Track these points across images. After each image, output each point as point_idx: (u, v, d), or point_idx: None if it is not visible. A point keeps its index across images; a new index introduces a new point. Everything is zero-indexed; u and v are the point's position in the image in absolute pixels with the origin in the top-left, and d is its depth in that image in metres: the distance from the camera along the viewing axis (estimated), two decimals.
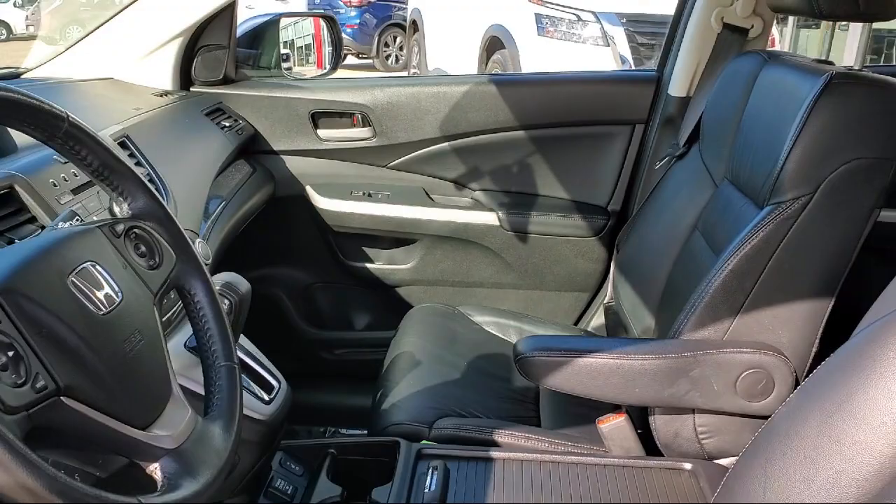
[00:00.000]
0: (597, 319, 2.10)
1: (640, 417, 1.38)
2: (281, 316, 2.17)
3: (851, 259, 1.26)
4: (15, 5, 13.89)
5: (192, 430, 0.80)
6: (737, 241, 1.27)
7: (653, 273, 1.64)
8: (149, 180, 1.03)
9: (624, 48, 5.43)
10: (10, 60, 2.70)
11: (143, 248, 0.88)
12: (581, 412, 1.47)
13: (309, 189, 2.07)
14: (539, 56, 5.43)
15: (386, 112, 2.04)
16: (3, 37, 13.52)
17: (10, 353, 0.64)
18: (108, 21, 1.78)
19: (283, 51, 2.24)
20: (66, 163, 1.13)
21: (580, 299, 2.15)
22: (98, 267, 0.79)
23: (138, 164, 1.37)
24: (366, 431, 1.59)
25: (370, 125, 2.06)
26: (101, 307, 0.76)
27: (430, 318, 1.84)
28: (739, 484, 0.94)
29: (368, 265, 2.14)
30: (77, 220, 0.92)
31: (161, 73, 1.85)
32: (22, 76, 1.71)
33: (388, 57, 10.31)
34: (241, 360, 1.16)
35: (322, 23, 2.28)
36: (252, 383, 1.28)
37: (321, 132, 2.06)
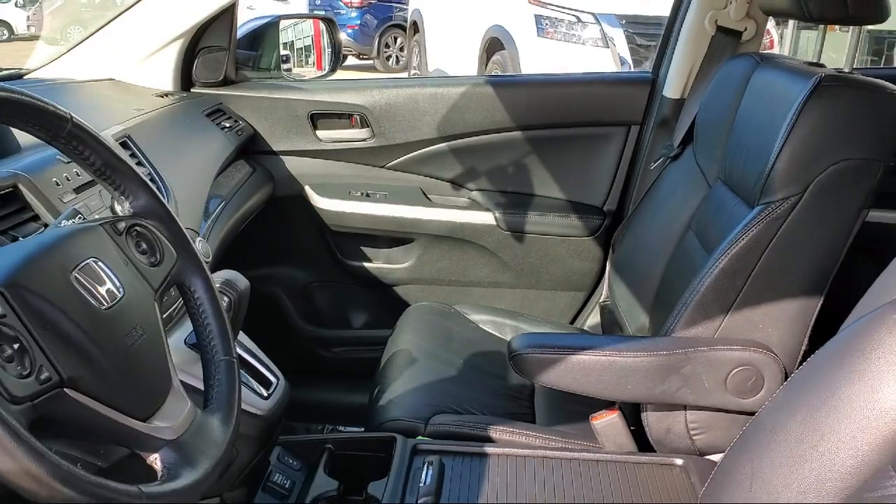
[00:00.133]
0: (592, 318, 2.12)
1: (632, 414, 1.40)
2: (280, 314, 2.19)
3: (840, 258, 1.28)
4: (16, 5, 13.91)
5: (191, 421, 0.82)
6: (727, 241, 1.29)
7: (647, 272, 1.66)
8: (150, 179, 1.05)
9: (623, 49, 5.45)
10: (12, 61, 2.72)
11: (144, 246, 0.90)
12: (575, 409, 1.49)
13: (308, 189, 2.09)
14: (539, 57, 5.44)
15: (384, 113, 2.06)
16: (4, 37, 13.54)
17: (16, 346, 0.66)
18: (109, 23, 1.80)
19: (282, 52, 2.26)
20: (68, 162, 1.15)
21: (576, 298, 2.17)
22: (100, 263, 0.80)
23: (139, 163, 1.39)
24: (363, 429, 1.61)
25: (368, 126, 2.08)
26: (104, 302, 0.78)
27: (426, 316, 1.86)
28: (727, 479, 0.95)
29: (366, 264, 2.16)
30: (79, 218, 0.93)
31: (162, 74, 1.87)
32: (24, 77, 1.73)
33: (388, 58, 10.32)
34: (240, 356, 1.18)
35: (321, 25, 2.30)
36: (251, 379, 1.30)
37: (320, 133, 2.08)
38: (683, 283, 1.38)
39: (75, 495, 0.63)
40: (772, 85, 1.40)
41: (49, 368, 0.68)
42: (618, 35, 5.45)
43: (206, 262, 1.00)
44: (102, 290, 0.79)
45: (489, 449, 1.33)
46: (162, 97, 1.80)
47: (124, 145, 1.39)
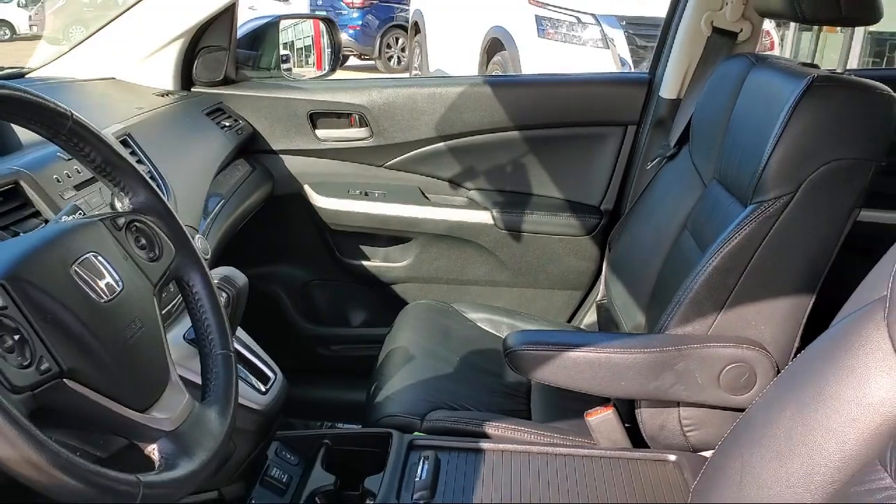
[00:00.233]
0: (589, 317, 2.13)
1: (627, 411, 1.41)
2: (279, 313, 2.20)
3: (832, 257, 1.29)
4: (18, 5, 13.95)
5: (189, 413, 0.83)
6: (721, 239, 1.30)
7: (644, 271, 1.67)
8: (150, 177, 1.06)
9: (623, 50, 5.46)
10: (14, 60, 2.73)
11: (143, 241, 0.91)
12: (570, 406, 1.50)
13: (307, 188, 2.11)
14: (539, 58, 5.45)
15: (383, 112, 2.07)
16: (6, 37, 13.58)
17: (17, 337, 0.68)
18: (110, 22, 1.81)
19: (282, 52, 2.27)
20: (69, 159, 1.16)
21: (573, 297, 2.18)
22: (100, 257, 0.82)
23: (140, 161, 1.40)
24: (361, 426, 1.62)
25: (367, 125, 2.09)
26: (103, 295, 0.79)
27: (424, 314, 1.87)
28: (717, 473, 0.96)
29: (365, 263, 2.17)
30: (80, 214, 0.95)
31: (162, 73, 1.89)
32: (27, 76, 1.74)
33: (390, 58, 10.33)
34: (238, 351, 1.19)
35: (321, 25, 2.32)
36: (249, 374, 1.31)
37: (319, 132, 2.10)
38: (679, 281, 1.39)
39: (74, 483, 0.64)
40: (766, 85, 1.41)
41: (49, 359, 0.70)
42: (618, 36, 5.46)
43: (205, 259, 1.01)
44: (102, 283, 0.80)
45: (485, 445, 1.34)
46: (162, 96, 1.81)
47: (125, 143, 1.40)
